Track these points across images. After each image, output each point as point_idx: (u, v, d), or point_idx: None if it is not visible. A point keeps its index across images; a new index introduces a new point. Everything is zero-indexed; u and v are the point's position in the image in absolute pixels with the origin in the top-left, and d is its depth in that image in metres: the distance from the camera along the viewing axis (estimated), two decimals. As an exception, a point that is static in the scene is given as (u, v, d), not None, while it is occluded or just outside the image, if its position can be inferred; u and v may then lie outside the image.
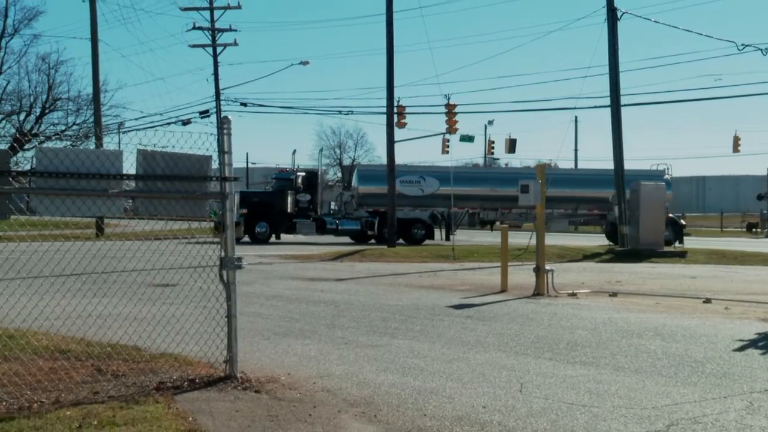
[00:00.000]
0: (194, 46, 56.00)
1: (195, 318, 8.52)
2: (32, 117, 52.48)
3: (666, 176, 41.60)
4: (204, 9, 54.56)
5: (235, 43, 55.92)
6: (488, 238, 40.65)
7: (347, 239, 37.90)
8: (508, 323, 11.73)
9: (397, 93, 35.40)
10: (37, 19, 64.76)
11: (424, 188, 39.06)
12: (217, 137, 7.82)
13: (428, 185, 39.02)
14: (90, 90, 44.77)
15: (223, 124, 7.72)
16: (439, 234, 39.12)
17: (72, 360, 7.85)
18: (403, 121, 36.82)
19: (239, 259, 7.70)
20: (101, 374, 7.37)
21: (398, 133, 34.99)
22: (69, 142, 47.70)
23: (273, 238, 36.71)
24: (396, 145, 33.97)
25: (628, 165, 34.01)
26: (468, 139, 41.03)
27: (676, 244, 35.33)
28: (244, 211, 35.75)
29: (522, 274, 18.76)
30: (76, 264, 8.50)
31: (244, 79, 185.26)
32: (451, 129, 37.54)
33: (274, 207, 37.02)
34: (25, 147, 43.94)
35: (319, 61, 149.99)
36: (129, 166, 7.41)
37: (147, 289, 12.86)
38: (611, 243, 39.33)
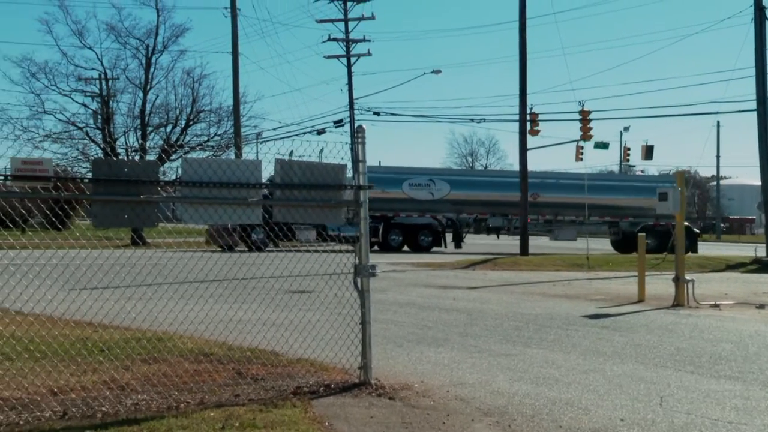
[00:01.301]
0: (329, 57, 57.28)
1: (330, 324, 8.68)
2: (177, 129, 54.85)
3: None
4: (339, 21, 55.76)
5: (369, 54, 56.87)
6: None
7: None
8: (645, 334, 11.38)
9: (529, 100, 34.96)
10: (183, 36, 67.84)
11: (434, 192, 37.59)
12: (351, 146, 7.96)
13: (438, 189, 37.60)
14: (230, 102, 46.35)
15: (357, 134, 7.85)
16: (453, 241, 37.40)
17: (215, 363, 8.15)
18: (536, 128, 36.34)
19: (373, 266, 7.80)
20: (242, 377, 7.61)
21: (531, 141, 34.49)
22: (211, 153, 49.55)
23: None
24: (528, 153, 33.60)
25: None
26: (603, 146, 40.08)
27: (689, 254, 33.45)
28: None
29: (660, 284, 18.17)
30: (218, 271, 8.84)
31: (377, 89, 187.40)
32: (585, 136, 36.77)
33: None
34: (172, 157, 46.05)
35: (451, 69, 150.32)
36: (267, 175, 7.65)
37: (284, 296, 13.19)
38: (617, 252, 37.44)
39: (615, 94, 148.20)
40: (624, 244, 37.71)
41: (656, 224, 37.39)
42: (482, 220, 39.06)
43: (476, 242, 42.76)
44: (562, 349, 10.11)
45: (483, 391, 7.62)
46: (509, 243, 41.22)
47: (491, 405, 7.12)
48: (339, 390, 7.39)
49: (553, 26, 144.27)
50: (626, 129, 64.80)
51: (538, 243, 42.28)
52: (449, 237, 38.26)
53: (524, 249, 31.69)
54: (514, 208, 36.14)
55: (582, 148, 39.81)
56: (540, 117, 37.97)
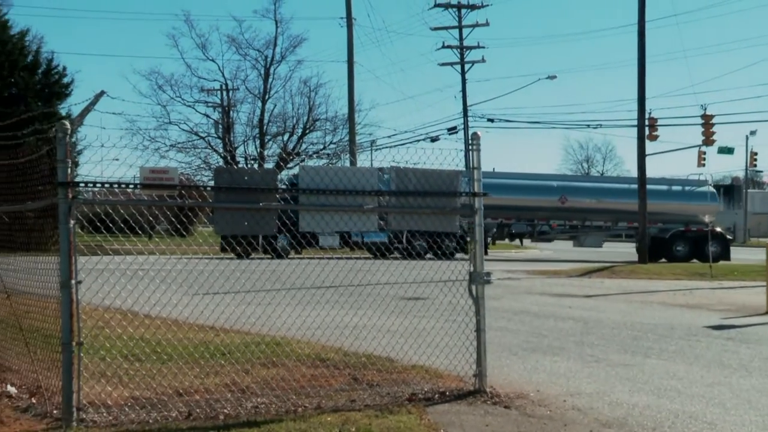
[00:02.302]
0: (443, 64, 57.39)
1: (445, 331, 8.67)
2: (294, 137, 56.06)
3: (708, 186, 36.63)
4: (453, 28, 55.82)
5: (483, 60, 56.64)
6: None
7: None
8: (775, 347, 10.89)
9: (648, 105, 34.05)
10: (300, 46, 69.28)
11: None
12: (465, 153, 7.97)
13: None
14: (346, 110, 47.06)
15: (472, 141, 7.84)
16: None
17: (331, 368, 8.28)
18: (654, 133, 35.40)
19: (488, 274, 7.76)
20: (357, 383, 7.70)
21: (649, 146, 33.62)
22: (327, 161, 50.43)
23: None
24: (647, 159, 32.71)
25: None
26: (727, 151, 38.73)
27: (720, 261, 31.40)
28: None
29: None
30: (334, 277, 8.98)
31: (490, 95, 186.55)
32: (708, 141, 35.61)
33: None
34: (289, 165, 47.10)
35: (566, 75, 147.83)
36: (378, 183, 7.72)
37: (399, 302, 13.27)
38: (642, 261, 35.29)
39: (740, 97, 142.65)
40: (652, 250, 35.94)
41: (687, 230, 35.53)
42: (506, 226, 37.65)
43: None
44: (684, 360, 9.79)
45: (601, 402, 7.46)
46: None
47: (610, 416, 6.97)
48: (454, 397, 7.38)
49: (672, 28, 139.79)
50: (753, 133, 62.46)
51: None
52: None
53: (642, 257, 30.86)
54: (542, 213, 35.31)
55: (704, 153, 38.60)
56: (659, 122, 37.07)
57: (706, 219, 36.03)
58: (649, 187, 34.91)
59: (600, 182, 39.75)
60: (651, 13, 42.63)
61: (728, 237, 36.66)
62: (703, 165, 39.31)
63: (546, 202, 34.30)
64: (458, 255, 36.07)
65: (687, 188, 36.83)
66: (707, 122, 35.48)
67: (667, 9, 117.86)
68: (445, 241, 32.89)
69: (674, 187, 36.54)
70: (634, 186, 34.53)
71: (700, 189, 36.58)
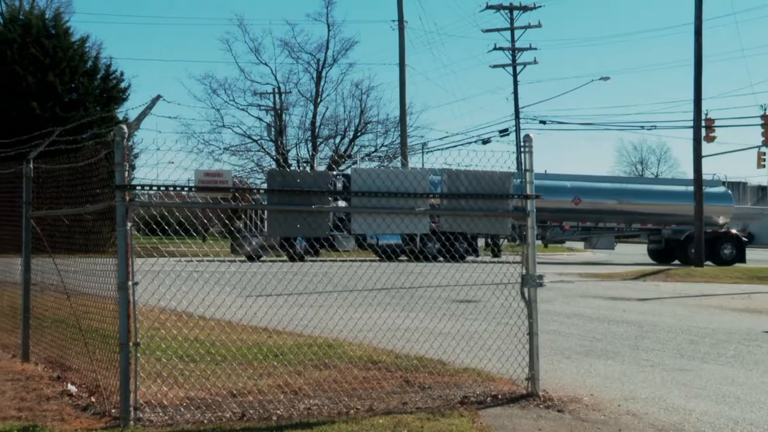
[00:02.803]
0: (495, 66, 57.17)
1: (497, 334, 8.63)
2: (346, 140, 56.36)
3: (721, 186, 35.49)
4: (505, 30, 55.57)
5: (535, 62, 56.31)
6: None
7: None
8: (837, 353, 10.61)
9: (705, 105, 33.51)
10: (352, 49, 69.70)
11: None
12: (516, 155, 7.93)
13: None
14: (397, 113, 47.21)
15: (525, 143, 7.81)
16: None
17: (383, 370, 8.29)
18: (711, 135, 34.74)
19: (541, 276, 7.71)
20: (409, 385, 7.70)
21: (706, 148, 32.95)
22: (378, 163, 50.61)
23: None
24: (703, 160, 32.14)
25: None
26: (788, 151, 37.80)
27: (736, 264, 30.66)
28: None
29: None
30: (386, 279, 8.99)
31: (542, 97, 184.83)
32: (768, 142, 34.82)
33: None
34: (341, 168, 47.33)
35: (620, 76, 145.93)
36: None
37: (450, 305, 13.25)
38: (655, 262, 33.95)
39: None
40: (666, 252, 34.86)
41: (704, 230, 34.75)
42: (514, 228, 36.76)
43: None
44: (743, 365, 9.60)
45: (656, 407, 7.35)
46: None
47: (666, 422, 6.86)
48: (506, 401, 7.34)
49: (730, 27, 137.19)
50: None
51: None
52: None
53: (699, 260, 30.33)
54: (555, 214, 34.62)
55: (764, 154, 37.76)
56: (716, 123, 36.36)
57: (721, 220, 35.15)
58: (661, 187, 34.22)
59: (614, 182, 38.90)
60: (708, 11, 41.85)
61: (743, 239, 35.76)
62: (763, 166, 38.44)
63: (559, 203, 33.79)
64: (469, 257, 35.65)
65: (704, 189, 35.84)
66: (767, 123, 34.69)
67: (725, 8, 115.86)
68: (455, 245, 32.48)
69: (688, 188, 35.66)
70: (649, 186, 33.79)
71: (712, 189, 35.66)
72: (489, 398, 7.37)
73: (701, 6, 31.18)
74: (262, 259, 29.58)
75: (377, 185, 7.45)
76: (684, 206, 34.38)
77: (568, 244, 40.75)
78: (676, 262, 34.42)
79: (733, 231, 35.24)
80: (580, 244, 44.13)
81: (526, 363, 7.66)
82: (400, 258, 32.57)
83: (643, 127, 54.46)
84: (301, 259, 29.54)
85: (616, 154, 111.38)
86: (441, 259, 31.86)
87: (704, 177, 36.61)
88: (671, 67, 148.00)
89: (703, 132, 32.92)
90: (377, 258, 30.40)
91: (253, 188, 7.43)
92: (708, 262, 33.29)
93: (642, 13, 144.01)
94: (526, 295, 7.70)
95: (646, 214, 34.71)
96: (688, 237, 34.07)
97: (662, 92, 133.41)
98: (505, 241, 33.71)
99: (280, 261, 25.43)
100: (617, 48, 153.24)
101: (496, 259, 9.28)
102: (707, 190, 34.54)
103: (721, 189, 36.67)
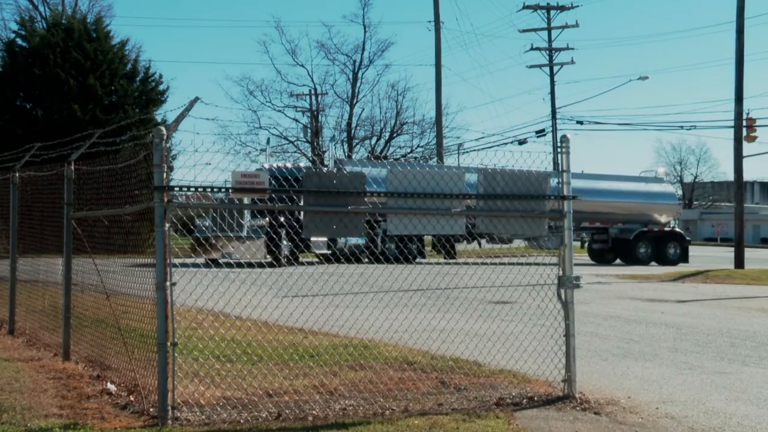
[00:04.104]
0: (531, 66, 56.96)
1: (533, 336, 8.60)
2: (382, 141, 56.43)
3: (665, 184, 34.90)
4: (542, 30, 55.31)
5: (572, 62, 56.02)
6: None
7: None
8: None
9: (746, 104, 32.92)
10: (388, 50, 69.98)
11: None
12: (553, 156, 7.89)
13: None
14: (433, 114, 47.32)
15: (561, 143, 7.76)
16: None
17: (418, 371, 8.29)
18: (752, 134, 34.20)
19: (577, 278, 7.66)
20: (444, 387, 7.69)
21: (747, 148, 32.43)
22: (414, 164, 50.60)
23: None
24: (744, 161, 31.68)
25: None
26: (830, 150, 37.02)
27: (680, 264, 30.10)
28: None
29: None
30: (422, 280, 8.99)
31: (579, 97, 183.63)
32: (811, 141, 34.16)
33: None
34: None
35: (658, 75, 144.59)
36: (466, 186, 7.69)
37: (486, 306, 13.22)
38: (594, 263, 32.98)
39: None
40: (610, 252, 33.89)
41: (650, 230, 33.76)
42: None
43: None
44: (784, 369, 9.44)
45: (696, 410, 7.26)
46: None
47: (705, 425, 6.77)
48: (542, 403, 7.30)
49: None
50: None
51: None
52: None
53: (739, 262, 29.90)
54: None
55: (807, 154, 37.07)
56: (757, 122, 35.78)
57: (663, 219, 34.36)
58: (604, 184, 33.20)
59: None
60: (750, 9, 41.19)
61: (687, 238, 35.02)
62: (805, 166, 37.73)
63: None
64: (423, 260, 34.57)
65: (643, 186, 35.02)
66: (809, 122, 34.13)
67: (766, 6, 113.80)
68: (408, 246, 31.88)
69: (638, 185, 34.82)
70: (597, 183, 32.62)
71: (656, 187, 35.03)
72: (525, 400, 7.34)
73: (743, 5, 30.76)
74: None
75: (413, 186, 7.46)
76: (632, 204, 33.71)
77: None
78: (618, 262, 33.74)
79: (678, 230, 34.67)
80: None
81: (562, 365, 7.61)
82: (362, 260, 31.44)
83: (682, 127, 54.12)
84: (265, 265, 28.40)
85: (654, 154, 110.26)
86: (394, 261, 31.28)
87: (645, 174, 36.00)
88: (711, 66, 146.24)
89: (744, 132, 32.41)
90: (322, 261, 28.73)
91: (289, 189, 7.47)
92: (653, 263, 32.77)
93: (681, 12, 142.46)
94: (563, 296, 7.66)
95: (595, 213, 33.75)
96: (638, 236, 33.36)
97: (702, 92, 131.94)
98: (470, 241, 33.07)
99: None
100: (656, 47, 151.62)
101: (532, 261, 9.26)
102: (652, 188, 33.93)
103: (666, 187, 36.08)
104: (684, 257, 33.58)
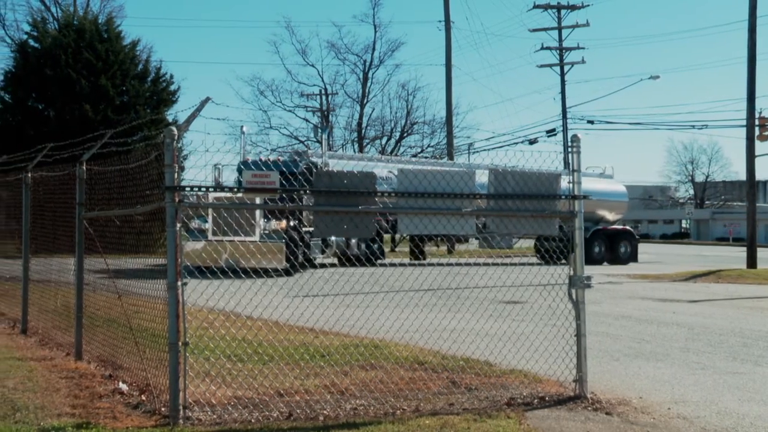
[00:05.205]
0: (542, 66, 56.87)
1: (544, 336, 8.58)
2: (392, 141, 56.44)
3: (614, 181, 34.50)
4: (552, 29, 55.19)
5: (583, 61, 55.85)
6: None
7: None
8: None
9: (758, 103, 32.74)
10: (398, 50, 69.99)
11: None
12: (564, 155, 7.87)
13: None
14: (443, 113, 47.20)
15: (572, 143, 7.74)
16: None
17: (429, 371, 8.28)
18: (765, 133, 34.03)
19: (588, 278, 7.64)
20: (455, 386, 7.69)
21: (759, 147, 32.26)
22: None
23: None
24: (756, 160, 31.53)
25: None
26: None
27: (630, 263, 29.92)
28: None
29: None
30: (432, 280, 8.98)
31: (590, 97, 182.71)
32: (824, 140, 33.96)
33: None
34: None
35: (670, 75, 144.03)
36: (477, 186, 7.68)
37: (497, 306, 13.20)
38: (542, 262, 32.71)
39: None
40: (560, 250, 33.67)
41: (604, 228, 33.43)
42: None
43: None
44: (796, 369, 9.39)
45: (708, 411, 7.24)
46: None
47: (718, 426, 6.75)
48: (553, 403, 7.29)
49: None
50: None
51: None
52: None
53: (752, 261, 29.75)
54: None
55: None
56: (769, 121, 35.56)
57: (612, 217, 34.04)
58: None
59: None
60: (762, 8, 40.93)
61: (636, 237, 34.69)
62: (818, 166, 37.51)
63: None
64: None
65: (594, 183, 34.35)
66: (822, 121, 33.83)
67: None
68: (371, 246, 31.28)
69: (591, 183, 34.53)
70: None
71: (606, 184, 34.53)
72: (536, 400, 7.33)
73: (756, 3, 30.62)
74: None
75: (423, 186, 7.45)
76: (587, 202, 33.39)
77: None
78: (563, 262, 33.51)
79: (628, 228, 34.43)
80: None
81: (573, 365, 7.60)
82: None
83: (693, 127, 54.23)
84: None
85: (665, 154, 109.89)
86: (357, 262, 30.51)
87: (594, 171, 35.51)
88: (722, 65, 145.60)
89: (757, 131, 32.25)
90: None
91: (300, 189, 7.47)
92: (604, 263, 32.49)
93: (692, 11, 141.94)
94: (574, 296, 7.64)
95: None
96: (593, 234, 32.88)
97: (713, 91, 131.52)
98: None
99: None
100: (667, 46, 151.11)
101: (543, 261, 9.23)
102: (600, 184, 33.63)
103: (616, 183, 35.74)
104: (633, 256, 33.21)
